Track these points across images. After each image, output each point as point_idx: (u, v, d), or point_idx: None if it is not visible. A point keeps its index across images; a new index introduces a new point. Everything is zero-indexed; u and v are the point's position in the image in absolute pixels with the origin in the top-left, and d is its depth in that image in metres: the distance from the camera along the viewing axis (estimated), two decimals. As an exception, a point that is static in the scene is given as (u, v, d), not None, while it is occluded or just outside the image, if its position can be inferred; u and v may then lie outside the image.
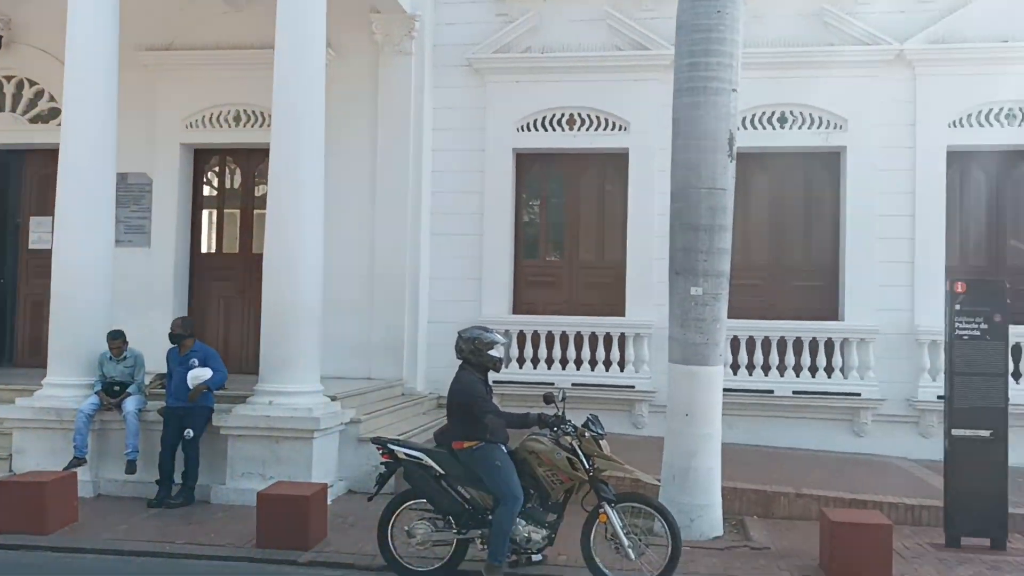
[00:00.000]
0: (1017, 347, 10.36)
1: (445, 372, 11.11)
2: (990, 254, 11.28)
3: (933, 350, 10.64)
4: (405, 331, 11.50)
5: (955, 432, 7.54)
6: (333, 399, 9.06)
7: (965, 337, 7.57)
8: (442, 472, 6.47)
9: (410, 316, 11.56)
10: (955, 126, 11.06)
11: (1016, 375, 10.23)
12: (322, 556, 6.95)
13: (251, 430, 8.51)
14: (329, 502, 7.84)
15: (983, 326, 7.54)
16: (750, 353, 11.11)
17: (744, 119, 11.08)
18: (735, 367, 10.99)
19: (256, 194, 12.36)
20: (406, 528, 6.53)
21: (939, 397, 9.61)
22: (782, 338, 11.06)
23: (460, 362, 6.66)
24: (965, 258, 11.24)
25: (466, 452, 6.43)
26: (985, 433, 7.49)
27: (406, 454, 6.57)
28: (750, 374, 11.07)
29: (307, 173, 8.85)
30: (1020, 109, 10.94)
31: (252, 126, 11.96)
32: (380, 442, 6.73)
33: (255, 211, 12.28)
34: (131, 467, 8.48)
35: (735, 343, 11.00)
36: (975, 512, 7.48)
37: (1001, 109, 10.98)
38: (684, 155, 7.92)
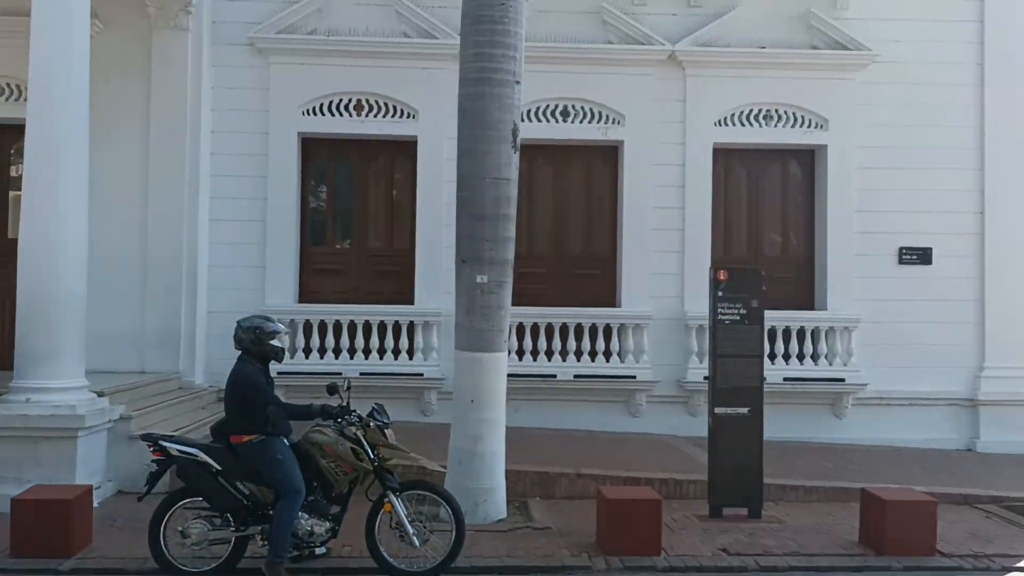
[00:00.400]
0: (772, 331, 11.28)
1: (226, 364, 10.56)
2: (750, 244, 12.21)
3: (700, 334, 11.38)
4: (182, 321, 10.95)
5: (718, 410, 8.13)
6: (100, 395, 8.47)
7: (726, 322, 8.16)
8: (219, 468, 6.23)
9: (188, 306, 11.01)
10: (720, 125, 11.85)
11: (771, 356, 11.14)
12: (87, 563, 6.51)
13: (6, 431, 7.81)
14: (96, 504, 7.35)
15: (742, 311, 8.16)
16: (534, 339, 11.44)
17: (528, 111, 11.35)
18: (520, 353, 11.27)
19: (13, 174, 11.35)
20: (180, 528, 6.24)
21: (705, 378, 10.24)
22: (564, 324, 11.46)
23: (239, 353, 6.42)
24: (729, 248, 12.10)
25: (245, 446, 6.22)
26: (744, 410, 8.12)
27: (179, 451, 6.27)
28: (534, 359, 11.39)
29: (69, 152, 8.18)
30: (775, 111, 11.88)
31: (6, 100, 10.95)
32: (151, 439, 6.39)
33: (11, 192, 11.25)
34: None
35: (520, 329, 11.29)
36: (735, 484, 8.10)
37: (760, 110, 11.89)
38: (470, 145, 8.02)
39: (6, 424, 7.81)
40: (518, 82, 8.07)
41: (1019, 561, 7.07)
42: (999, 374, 11.66)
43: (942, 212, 11.82)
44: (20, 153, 10.91)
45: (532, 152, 11.53)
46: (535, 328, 11.45)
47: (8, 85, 10.91)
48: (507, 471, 8.10)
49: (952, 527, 7.74)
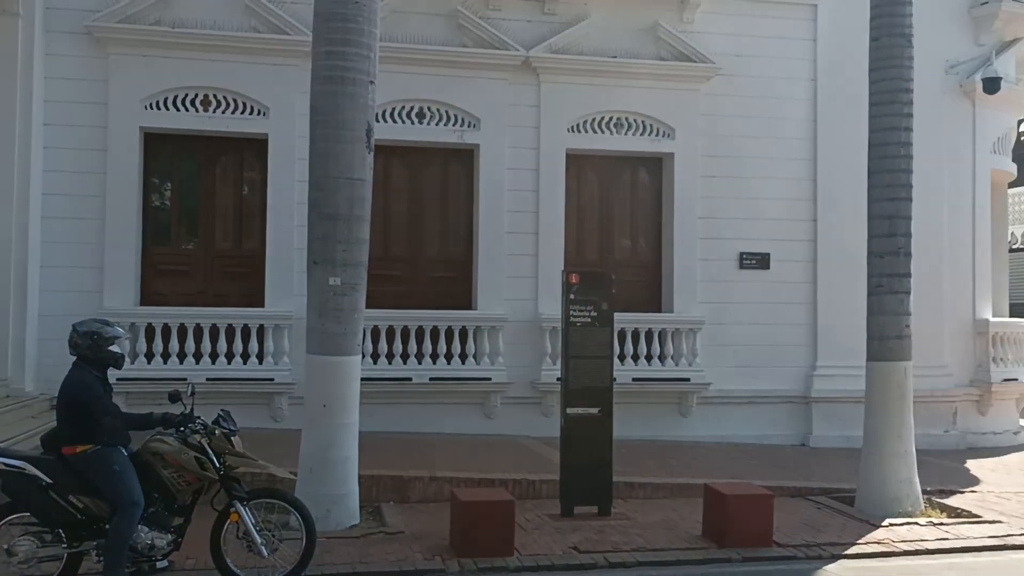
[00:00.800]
0: (622, 332, 11.60)
1: (59, 371, 9.94)
2: (602, 248, 12.53)
3: (553, 336, 11.56)
4: (11, 325, 10.31)
5: (569, 410, 8.29)
6: (-85, 405, 7.84)
7: (578, 324, 8.34)
8: (50, 481, 5.85)
9: (16, 308, 10.36)
10: (573, 131, 12.12)
11: (621, 357, 11.46)
12: None
13: None
14: (-92, 525, 6.75)
15: (593, 314, 8.36)
16: (389, 342, 11.34)
17: (384, 112, 11.25)
18: (375, 356, 11.16)
19: None
20: (5, 547, 5.82)
21: (558, 379, 10.44)
22: (420, 327, 11.42)
23: (74, 359, 6.07)
24: (582, 252, 12.37)
25: (79, 457, 5.87)
26: (594, 410, 8.31)
27: (5, 464, 5.84)
28: (389, 363, 11.29)
29: None
30: (625, 119, 12.24)
31: None
32: (-26, 452, 5.94)
33: None
34: None
35: (375, 332, 11.17)
36: (586, 483, 8.27)
37: (611, 118, 12.22)
38: (323, 144, 7.89)
39: None
40: (372, 82, 7.99)
41: (846, 548, 7.54)
42: (830, 372, 12.42)
43: (779, 219, 12.50)
44: None
45: (387, 153, 11.46)
46: (391, 331, 11.35)
47: None
48: (361, 476, 8.00)
49: (787, 518, 8.17)
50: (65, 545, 5.88)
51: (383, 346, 11.28)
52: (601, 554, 7.10)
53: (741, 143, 12.41)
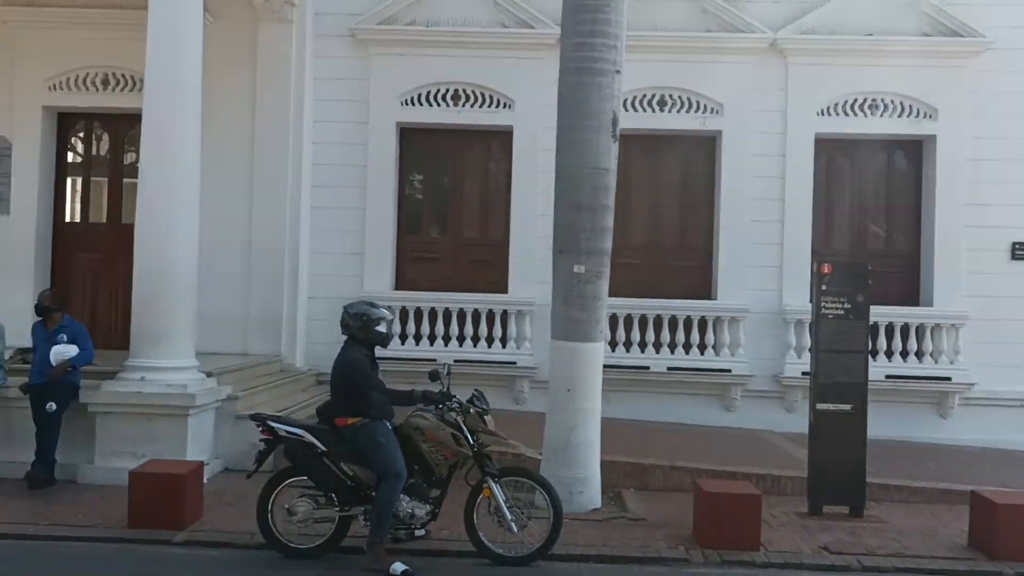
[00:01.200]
0: (875, 327, 10.97)
1: (325, 348, 11.02)
2: (852, 238, 11.89)
3: (799, 329, 11.14)
4: (284, 306, 11.27)
5: (819, 406, 7.95)
6: (209, 375, 8.79)
7: (830, 316, 7.97)
8: (324, 449, 6.38)
9: (289, 291, 11.32)
10: (823, 114, 11.56)
11: (874, 353, 10.84)
12: (198, 535, 6.77)
13: (122, 407, 8.18)
14: (205, 480, 7.62)
15: (847, 306, 7.96)
16: (627, 330, 11.38)
17: (627, 101, 11.28)
18: (613, 344, 11.23)
19: (126, 162, 11.81)
20: (287, 506, 6.42)
21: (804, 373, 10.08)
22: (658, 316, 11.38)
23: (344, 338, 6.57)
24: (829, 241, 11.81)
25: (350, 429, 6.37)
26: (846, 407, 7.92)
27: (287, 431, 6.45)
28: (627, 351, 11.34)
29: (182, 141, 8.52)
30: (880, 100, 11.51)
31: (122, 90, 11.41)
32: (259, 419, 6.59)
33: (124, 179, 11.72)
34: None
35: (614, 320, 11.24)
36: (836, 482, 7.91)
37: (865, 100, 11.54)
38: (569, 135, 8.02)
39: (122, 401, 8.17)
40: (618, 71, 8.03)
41: None
42: (1117, 376, 11.11)
43: (1059, 206, 11.31)
44: (132, 141, 11.43)
45: (628, 142, 11.41)
46: (629, 319, 11.39)
47: (123, 76, 11.34)
48: (601, 461, 8.09)
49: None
50: (337, 508, 6.40)
51: (621, 334, 11.33)
52: (854, 556, 6.76)
53: (1014, 123, 11.33)
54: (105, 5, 11.10)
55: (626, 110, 11.27)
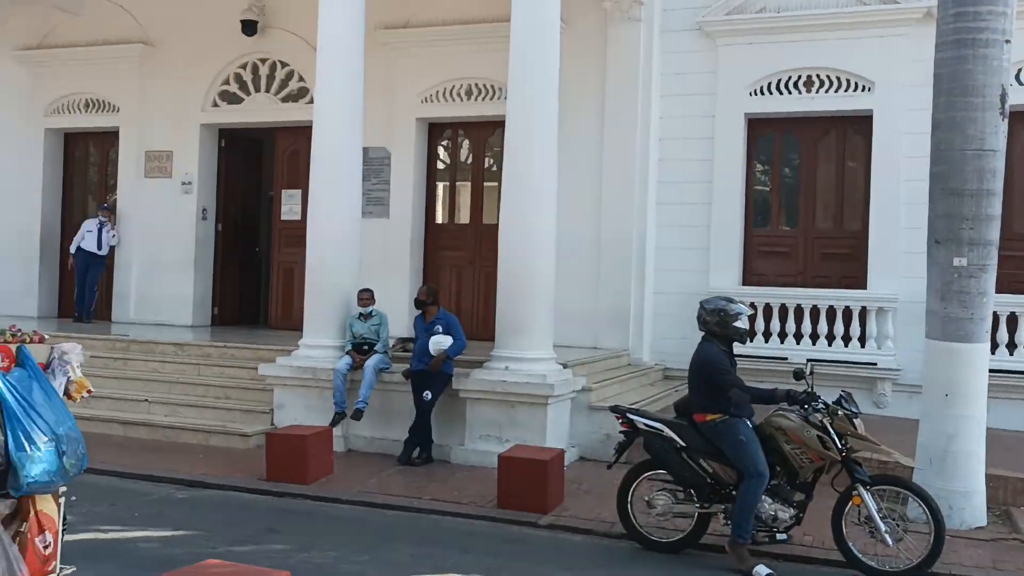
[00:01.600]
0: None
1: (670, 343, 11.07)
2: None
3: None
4: (631, 301, 11.41)
5: None
6: (565, 366, 9.14)
7: None
8: (683, 444, 6.36)
9: (636, 286, 11.46)
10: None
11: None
12: (561, 520, 7.06)
13: (488, 394, 8.76)
14: (564, 467, 7.93)
15: None
16: (1010, 330, 10.17)
17: (1019, 73, 10.08)
18: (994, 345, 10.06)
19: (485, 166, 12.64)
20: (646, 498, 6.48)
21: None
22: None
23: (703, 334, 6.51)
24: None
25: (708, 425, 6.29)
26: None
27: (646, 424, 6.51)
28: (1010, 353, 10.15)
29: (541, 145, 8.94)
30: None
31: (483, 99, 12.16)
32: (619, 411, 6.72)
33: (485, 183, 12.56)
34: (358, 415, 8.88)
35: (994, 319, 10.06)
36: None
37: None
38: (947, 114, 7.31)
39: (489, 388, 8.75)
40: (1008, 40, 7.18)
41: None
42: None
43: None
44: (491, 147, 12.22)
45: (1018, 119, 10.20)
46: (1012, 317, 10.18)
47: (485, 86, 12.14)
48: (986, 475, 7.30)
49: None
50: (696, 504, 6.35)
51: (1003, 334, 10.13)
52: None
53: None
54: (468, 21, 11.94)
55: (1020, 83, 10.12)
